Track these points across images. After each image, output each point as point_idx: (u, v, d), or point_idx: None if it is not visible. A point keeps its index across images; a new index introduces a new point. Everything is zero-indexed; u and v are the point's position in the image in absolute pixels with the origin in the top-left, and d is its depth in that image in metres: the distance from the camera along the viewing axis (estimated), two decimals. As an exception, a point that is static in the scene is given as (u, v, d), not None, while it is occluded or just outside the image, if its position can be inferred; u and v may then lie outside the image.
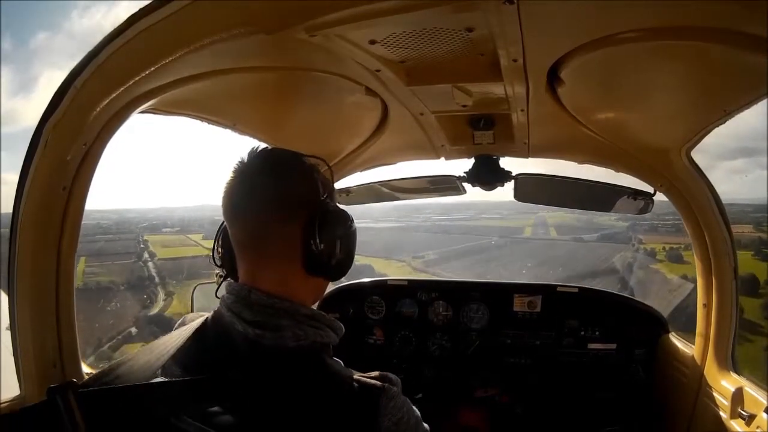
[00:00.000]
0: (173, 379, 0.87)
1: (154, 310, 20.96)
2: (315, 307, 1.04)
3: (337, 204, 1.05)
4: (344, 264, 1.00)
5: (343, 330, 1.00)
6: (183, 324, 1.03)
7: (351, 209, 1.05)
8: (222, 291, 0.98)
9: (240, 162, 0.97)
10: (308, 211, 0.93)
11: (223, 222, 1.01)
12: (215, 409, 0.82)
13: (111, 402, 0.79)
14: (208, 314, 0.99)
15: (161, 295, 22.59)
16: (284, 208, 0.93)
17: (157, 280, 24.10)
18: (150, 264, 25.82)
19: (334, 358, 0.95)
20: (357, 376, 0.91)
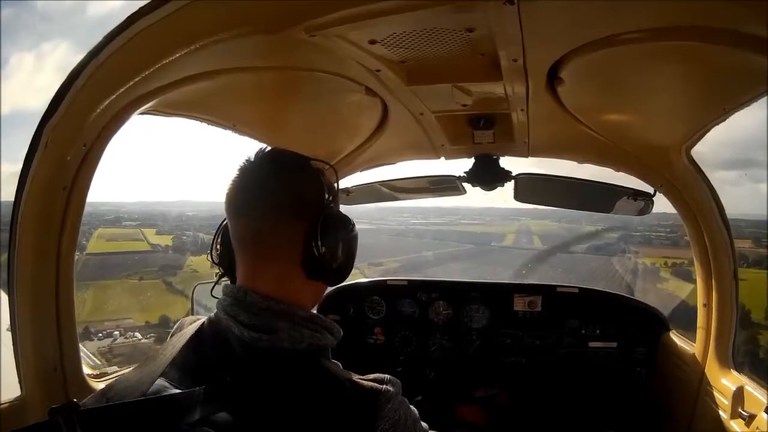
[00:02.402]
0: (172, 392, 0.86)
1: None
2: (315, 308, 1.03)
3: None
4: (344, 269, 0.99)
5: (341, 333, 0.99)
6: (180, 328, 1.02)
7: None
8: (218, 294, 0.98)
9: (247, 160, 0.96)
10: (312, 214, 0.93)
11: (223, 219, 1.01)
12: (214, 414, 0.82)
13: (113, 419, 0.79)
14: (204, 318, 0.99)
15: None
16: (289, 207, 0.93)
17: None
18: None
19: (333, 360, 0.95)
20: (355, 378, 0.90)
